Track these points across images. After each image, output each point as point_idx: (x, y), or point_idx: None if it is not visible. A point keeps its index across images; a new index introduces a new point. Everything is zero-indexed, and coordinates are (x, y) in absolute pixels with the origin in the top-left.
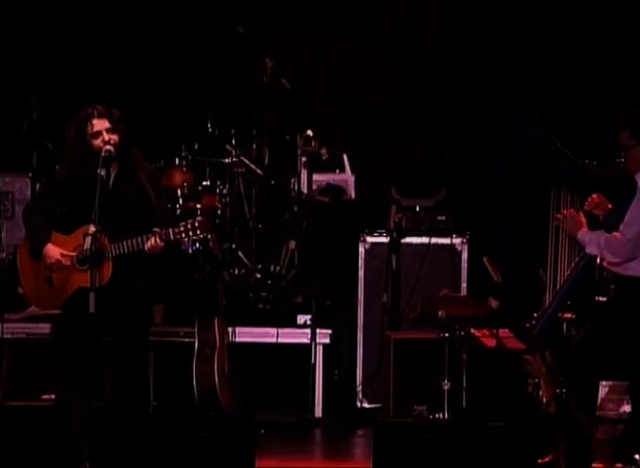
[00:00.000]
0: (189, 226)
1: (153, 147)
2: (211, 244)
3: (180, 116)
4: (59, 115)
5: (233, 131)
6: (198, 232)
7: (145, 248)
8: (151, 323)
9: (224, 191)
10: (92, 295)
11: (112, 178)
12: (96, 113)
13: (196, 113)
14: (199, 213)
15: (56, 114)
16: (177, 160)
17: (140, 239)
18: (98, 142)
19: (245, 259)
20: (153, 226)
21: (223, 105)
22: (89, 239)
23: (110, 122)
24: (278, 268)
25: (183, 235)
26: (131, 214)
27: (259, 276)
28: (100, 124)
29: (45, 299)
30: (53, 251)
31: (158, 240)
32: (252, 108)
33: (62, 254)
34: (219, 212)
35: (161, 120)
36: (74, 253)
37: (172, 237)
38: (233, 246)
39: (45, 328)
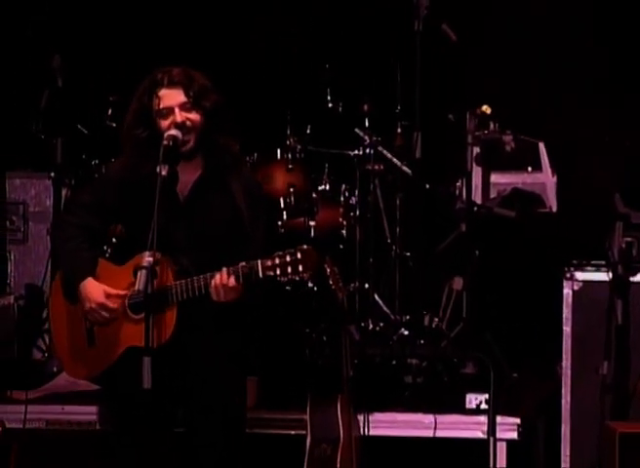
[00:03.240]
0: (288, 259)
1: (243, 132)
2: (331, 282)
3: (283, 82)
4: (96, 82)
5: (366, 106)
6: (300, 269)
7: (210, 289)
8: (244, 405)
9: (353, 200)
10: (147, 362)
11: (190, 184)
12: (166, 80)
13: (308, 77)
14: (313, 233)
15: (91, 81)
16: (278, 152)
17: (205, 277)
18: (167, 124)
19: (385, 307)
20: (240, 260)
21: (352, 66)
22: (142, 274)
23: (187, 94)
24: (436, 321)
25: (278, 272)
26: (213, 239)
27: (406, 333)
28: (170, 96)
29: (80, 364)
30: (94, 289)
31: (232, 278)
32: (395, 71)
33: (109, 295)
34: (343, 232)
35: (254, 88)
36: (125, 292)
37: (260, 274)
38: (366, 285)
39: (75, 412)
